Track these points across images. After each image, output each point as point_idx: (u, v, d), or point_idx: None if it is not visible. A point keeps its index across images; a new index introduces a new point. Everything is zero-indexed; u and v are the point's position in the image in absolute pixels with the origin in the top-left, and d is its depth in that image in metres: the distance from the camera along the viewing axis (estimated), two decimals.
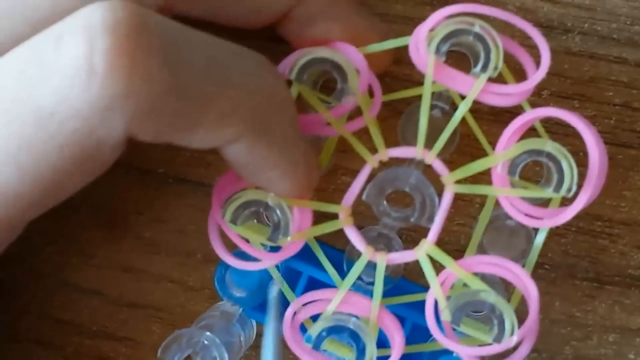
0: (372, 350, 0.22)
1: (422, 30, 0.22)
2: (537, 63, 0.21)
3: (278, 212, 0.22)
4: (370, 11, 0.24)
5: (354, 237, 0.22)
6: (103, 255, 0.25)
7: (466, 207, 0.25)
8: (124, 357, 0.26)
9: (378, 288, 0.22)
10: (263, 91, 0.20)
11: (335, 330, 0.22)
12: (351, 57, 0.22)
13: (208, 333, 0.23)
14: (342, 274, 0.23)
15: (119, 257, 0.25)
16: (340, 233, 0.23)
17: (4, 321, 0.26)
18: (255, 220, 0.22)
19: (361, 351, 0.22)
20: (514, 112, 0.22)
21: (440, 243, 0.22)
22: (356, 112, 0.22)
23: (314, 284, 0.23)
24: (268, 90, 0.20)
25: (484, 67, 0.21)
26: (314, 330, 0.22)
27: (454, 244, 0.24)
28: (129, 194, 0.26)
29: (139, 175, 0.26)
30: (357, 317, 0.22)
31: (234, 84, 0.19)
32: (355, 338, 0.22)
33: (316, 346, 0.22)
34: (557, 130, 0.23)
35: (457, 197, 0.23)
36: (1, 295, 0.26)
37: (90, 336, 0.25)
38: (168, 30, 0.18)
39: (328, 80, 0.23)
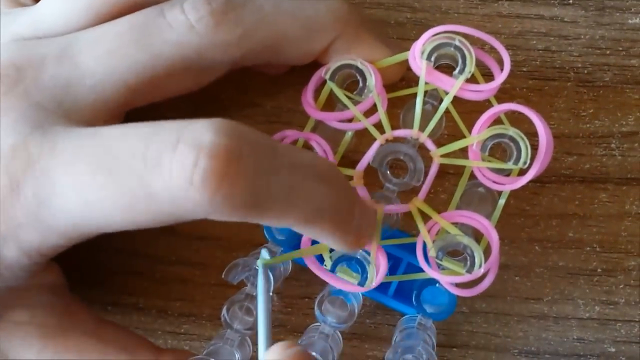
0: (372, 273, 0.25)
1: (417, 45, 0.25)
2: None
3: None
4: (385, 36, 0.28)
5: (363, 193, 0.26)
6: None
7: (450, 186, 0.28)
8: (197, 277, 0.29)
9: (377, 230, 0.25)
10: (314, 203, 0.22)
11: (346, 259, 0.25)
12: (371, 68, 0.26)
13: (258, 261, 0.26)
14: None
15: None
16: None
17: (110, 259, 0.29)
18: None
19: (364, 277, 0.25)
20: (485, 105, 0.26)
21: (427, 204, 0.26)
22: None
23: None
24: (319, 202, 0.22)
25: (462, 71, 0.25)
26: (333, 255, 0.25)
27: (435, 206, 0.26)
28: None
29: None
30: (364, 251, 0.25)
31: (296, 200, 0.21)
32: (360, 265, 0.25)
33: (332, 269, 0.25)
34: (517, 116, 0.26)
35: (443, 175, 0.27)
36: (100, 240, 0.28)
37: (172, 264, 0.29)
38: (260, 157, 0.21)
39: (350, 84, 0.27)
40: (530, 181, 0.27)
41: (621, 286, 0.29)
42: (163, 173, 0.20)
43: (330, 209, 0.22)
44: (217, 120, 0.20)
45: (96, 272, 0.29)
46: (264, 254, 0.26)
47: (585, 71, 0.28)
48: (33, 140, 0.22)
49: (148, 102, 0.25)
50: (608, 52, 0.28)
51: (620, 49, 0.28)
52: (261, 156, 0.21)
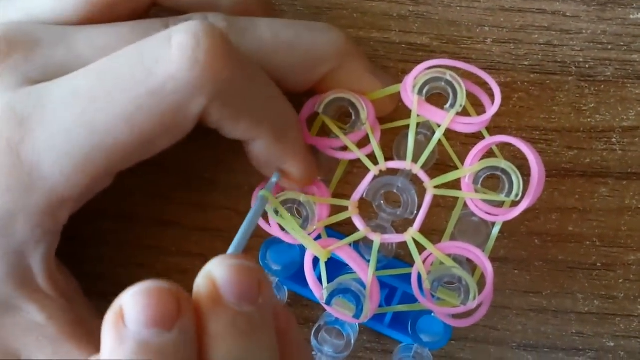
0: (367, 308, 0.25)
1: (409, 79, 0.26)
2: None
3: (307, 207, 0.26)
4: (380, 69, 0.28)
5: (358, 222, 0.26)
6: (178, 195, 0.29)
7: (444, 212, 0.28)
8: (198, 268, 0.29)
9: (373, 260, 0.26)
10: (285, 115, 0.24)
11: (343, 291, 0.25)
12: (363, 101, 0.26)
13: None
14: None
15: (189, 195, 0.29)
16: (351, 227, 0.26)
17: (111, 251, 0.29)
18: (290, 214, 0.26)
19: (360, 308, 0.25)
20: (478, 136, 0.26)
21: (422, 233, 0.26)
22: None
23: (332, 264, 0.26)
24: (289, 114, 0.25)
25: (452, 105, 0.26)
26: (329, 287, 0.26)
27: (433, 237, 0.26)
28: (193, 150, 0.28)
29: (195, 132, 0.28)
30: (359, 283, 0.26)
31: (269, 109, 0.24)
32: (355, 297, 0.25)
33: (328, 302, 0.26)
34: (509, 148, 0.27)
35: (436, 203, 0.27)
36: (108, 232, 0.29)
37: (173, 255, 0.29)
38: (244, 60, 0.23)
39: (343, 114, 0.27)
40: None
41: (620, 281, 0.29)
42: (165, 62, 0.21)
43: (296, 129, 0.25)
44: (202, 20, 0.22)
45: (97, 263, 0.29)
46: (274, 177, 0.26)
47: (587, 66, 0.28)
48: (18, 99, 0.22)
49: None
50: (610, 46, 0.28)
51: (622, 43, 0.28)
52: (246, 62, 0.23)
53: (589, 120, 0.29)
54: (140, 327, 0.19)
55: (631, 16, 0.28)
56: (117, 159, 0.22)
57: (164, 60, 0.21)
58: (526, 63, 0.29)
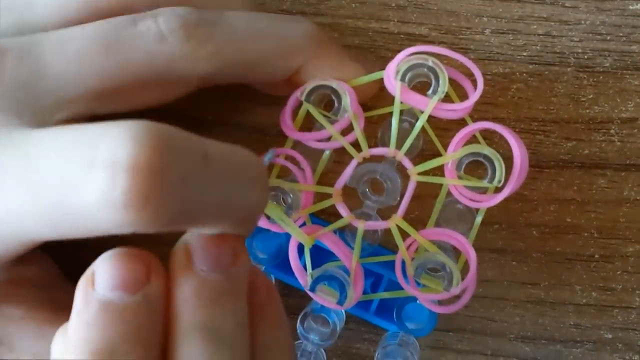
0: (351, 294, 0.26)
1: (391, 65, 0.25)
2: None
3: (291, 195, 0.26)
4: (363, 53, 0.28)
5: (342, 209, 0.26)
6: None
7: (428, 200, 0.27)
8: None
9: (357, 247, 0.26)
10: (248, 208, 0.21)
11: (327, 278, 0.26)
12: (346, 88, 0.26)
13: None
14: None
15: None
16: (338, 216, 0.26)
17: (107, 240, 0.29)
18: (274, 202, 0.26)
19: (344, 295, 0.26)
20: (462, 122, 0.26)
21: (413, 222, 0.26)
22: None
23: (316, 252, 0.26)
24: (253, 206, 0.21)
25: (435, 91, 0.25)
26: (313, 274, 0.26)
27: (417, 224, 0.26)
28: None
29: (191, 121, 0.28)
30: (344, 271, 0.26)
31: (231, 209, 0.20)
32: (339, 284, 0.26)
33: (312, 288, 0.26)
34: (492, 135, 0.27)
35: (428, 194, 0.27)
36: None
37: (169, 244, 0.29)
38: (189, 166, 0.18)
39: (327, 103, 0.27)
40: (530, 166, 0.27)
41: (618, 272, 0.29)
42: (80, 193, 0.18)
43: (260, 211, 0.22)
44: (137, 127, 0.18)
45: (93, 253, 0.29)
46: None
47: (586, 56, 0.28)
48: None
49: (112, 111, 0.24)
50: (608, 37, 0.28)
51: (621, 34, 0.28)
52: (190, 165, 0.19)
53: (587, 111, 0.28)
54: (106, 290, 0.19)
55: (630, 7, 0.28)
56: (38, 240, 0.22)
57: (80, 190, 0.18)
58: (525, 54, 0.28)
